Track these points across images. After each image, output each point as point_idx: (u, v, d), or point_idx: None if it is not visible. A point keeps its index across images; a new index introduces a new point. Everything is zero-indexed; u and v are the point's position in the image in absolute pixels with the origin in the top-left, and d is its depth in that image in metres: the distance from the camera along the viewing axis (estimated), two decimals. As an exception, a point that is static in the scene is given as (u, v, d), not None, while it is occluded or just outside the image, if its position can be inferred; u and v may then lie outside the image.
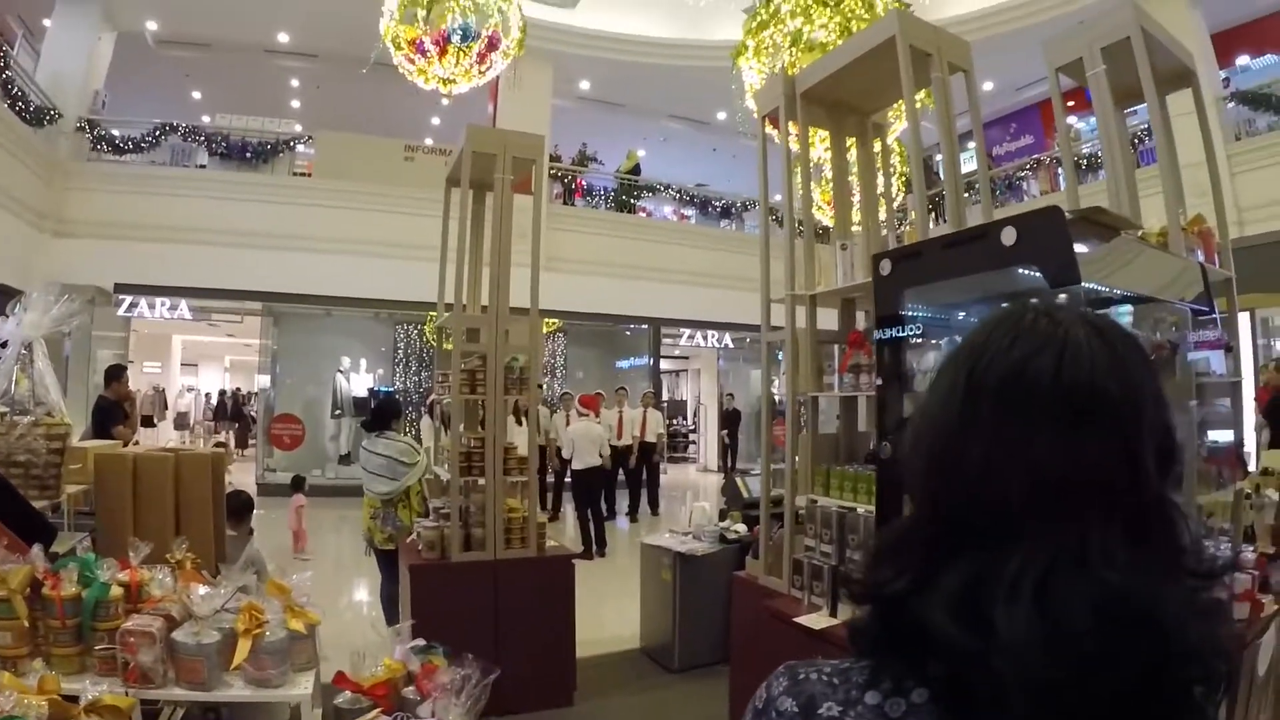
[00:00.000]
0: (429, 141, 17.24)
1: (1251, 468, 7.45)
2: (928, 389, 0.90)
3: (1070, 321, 0.82)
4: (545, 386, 16.17)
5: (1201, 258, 3.98)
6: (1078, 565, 0.72)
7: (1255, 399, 10.45)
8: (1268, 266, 12.45)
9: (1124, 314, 3.42)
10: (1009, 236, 2.44)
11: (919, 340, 2.90)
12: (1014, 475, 0.77)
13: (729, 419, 19.77)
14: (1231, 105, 14.36)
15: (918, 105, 3.93)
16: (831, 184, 5.01)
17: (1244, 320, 13.30)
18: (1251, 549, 4.12)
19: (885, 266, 2.86)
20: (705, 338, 19.17)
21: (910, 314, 2.90)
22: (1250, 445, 9.43)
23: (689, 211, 19.23)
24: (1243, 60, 15.79)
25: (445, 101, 9.89)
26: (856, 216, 5.02)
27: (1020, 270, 2.48)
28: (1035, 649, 0.69)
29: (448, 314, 5.98)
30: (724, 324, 17.93)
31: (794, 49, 6.80)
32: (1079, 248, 2.49)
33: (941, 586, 0.76)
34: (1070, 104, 4.40)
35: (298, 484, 9.98)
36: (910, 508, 0.87)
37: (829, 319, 4.62)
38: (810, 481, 4.20)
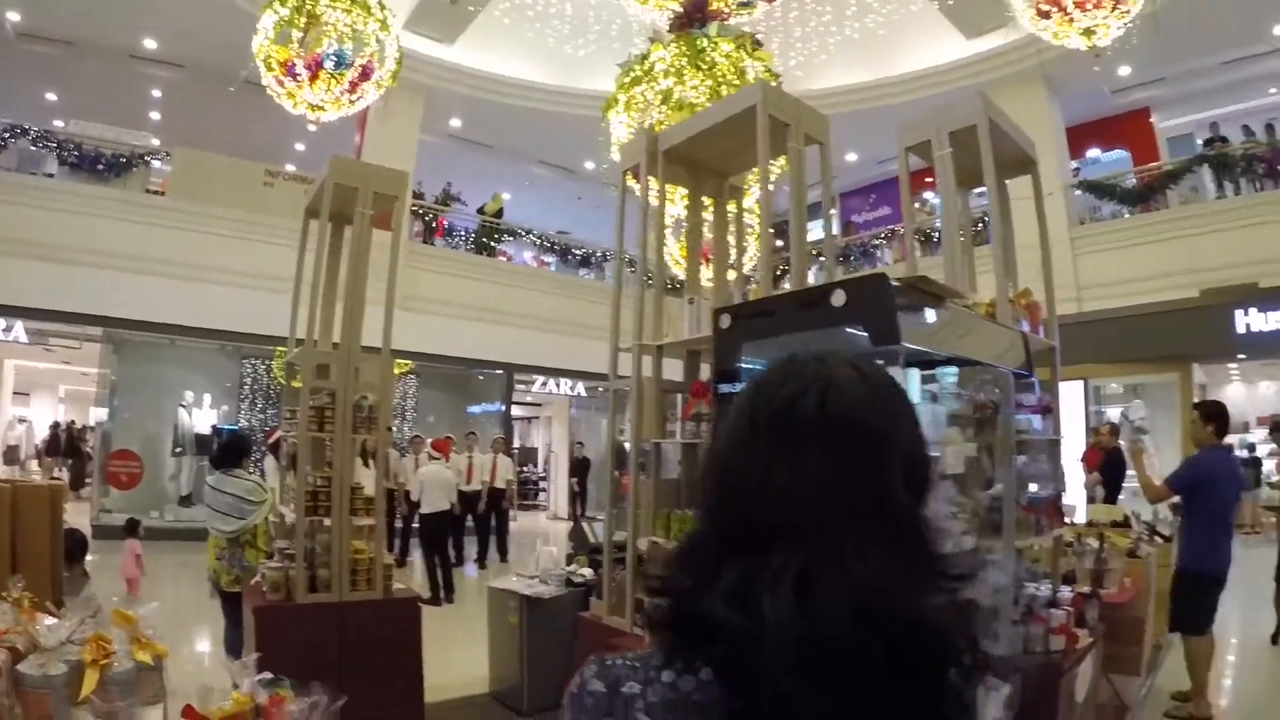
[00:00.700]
0: (291, 167, 16.73)
1: (1080, 519, 8.04)
2: (722, 421, 1.03)
3: (836, 364, 0.97)
4: (395, 429, 15.82)
5: (1026, 328, 4.26)
6: (834, 563, 0.84)
7: (1083, 459, 11.18)
8: (1102, 340, 13.40)
9: (950, 374, 3.63)
10: (839, 299, 2.58)
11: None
12: (784, 490, 0.89)
13: (579, 467, 19.75)
14: (1079, 193, 15.49)
15: (779, 172, 4.10)
16: (688, 239, 5.15)
17: (1078, 388, 14.24)
18: (1069, 589, 4.44)
19: (725, 321, 2.97)
20: (558, 385, 19.23)
21: (748, 366, 3.01)
22: (1082, 500, 10.16)
23: (549, 258, 19.32)
24: (1093, 152, 17.18)
25: (312, 128, 9.66)
26: (710, 273, 5.16)
27: (849, 330, 2.60)
28: (795, 630, 0.81)
29: (298, 349, 5.82)
30: (577, 372, 18.01)
31: (664, 107, 6.98)
32: (910, 313, 2.63)
33: (722, 581, 0.87)
34: (929, 180, 4.67)
35: (132, 528, 9.38)
36: (702, 521, 0.98)
37: (676, 369, 4.74)
38: (652, 525, 4.27)
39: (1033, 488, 4.47)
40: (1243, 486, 6.86)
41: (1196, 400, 8.53)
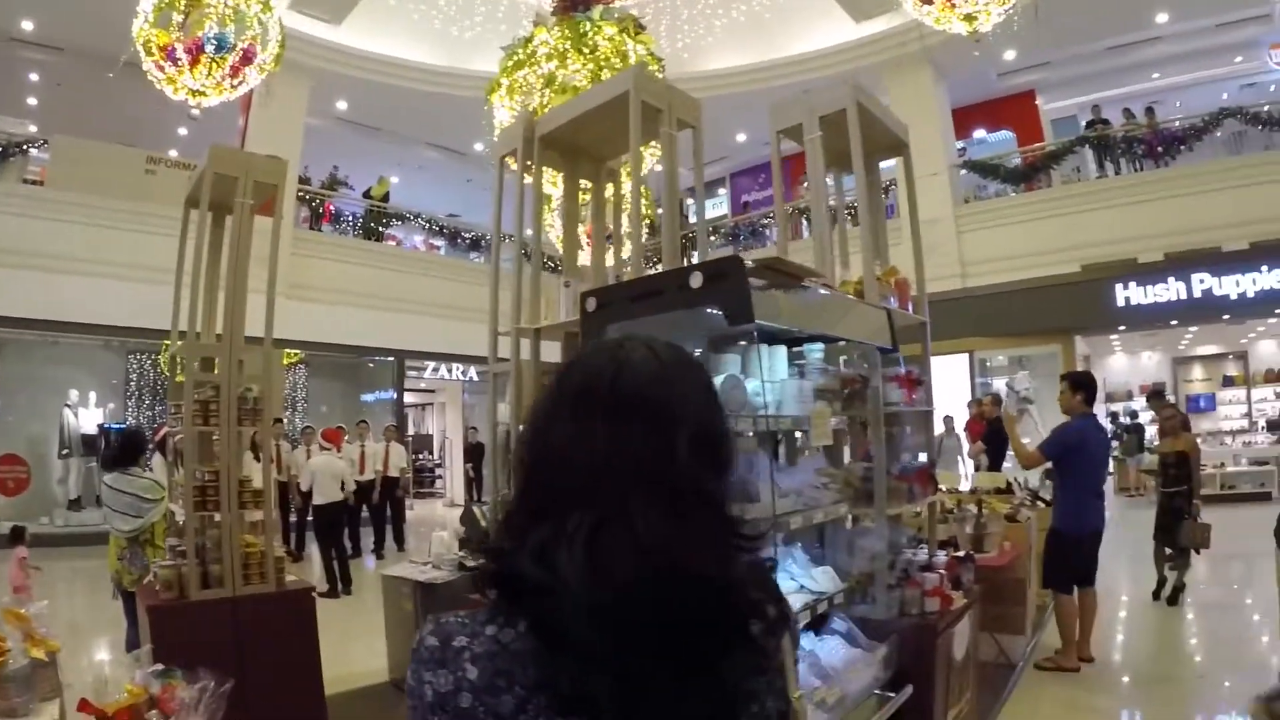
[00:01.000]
0: (174, 153, 16.03)
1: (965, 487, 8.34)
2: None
3: (634, 346, 1.08)
4: (286, 420, 15.40)
5: (895, 304, 4.41)
6: (620, 525, 0.94)
7: (966, 429, 11.59)
8: (986, 314, 13.89)
9: (816, 351, 3.76)
10: (696, 280, 2.65)
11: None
12: (580, 460, 1.00)
13: (474, 452, 19.39)
14: (964, 172, 15.93)
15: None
16: (564, 223, 5.19)
17: (964, 361, 14.70)
18: (944, 554, 4.63)
19: (591, 304, 3.02)
20: (450, 371, 19.11)
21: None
22: (969, 468, 10.54)
23: (439, 242, 19.04)
24: (980, 133, 17.74)
25: (194, 114, 9.38)
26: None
27: (709, 310, 2.67)
28: (585, 585, 0.91)
29: (181, 342, 5.71)
30: (469, 357, 17.74)
31: (547, 90, 6.98)
32: (766, 292, 2.72)
33: (529, 542, 0.97)
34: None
35: (18, 535, 9.01)
36: (518, 489, 1.07)
37: (556, 352, 4.76)
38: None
39: (906, 457, 4.69)
40: (1110, 451, 7.20)
41: (1078, 369, 8.91)
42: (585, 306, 3.02)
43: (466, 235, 18.99)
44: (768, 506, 3.13)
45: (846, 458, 4.36)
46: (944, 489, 7.73)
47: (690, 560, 0.95)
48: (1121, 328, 15.54)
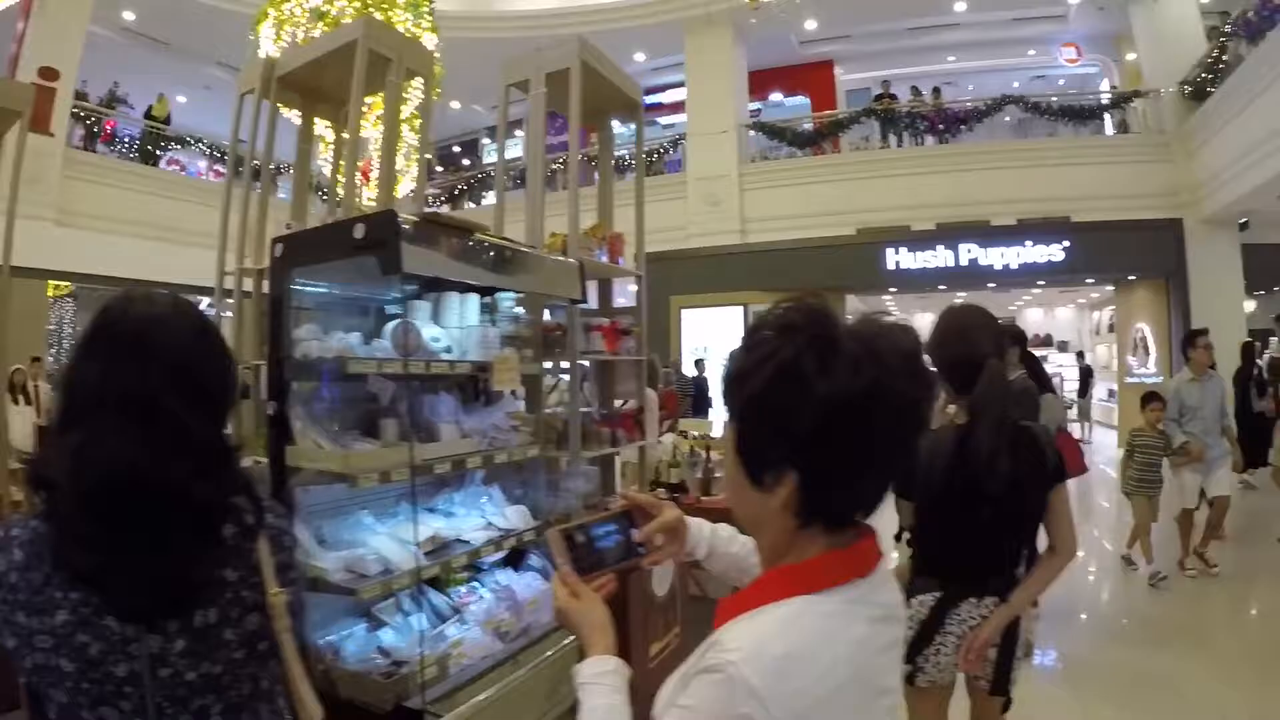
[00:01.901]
0: None
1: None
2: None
3: (140, 298, 1.38)
4: (52, 359, 14.30)
5: (605, 259, 4.75)
6: (99, 440, 1.24)
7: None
8: (763, 269, 14.62)
9: (507, 299, 4.07)
10: (359, 231, 2.87)
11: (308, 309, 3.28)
12: (85, 386, 1.29)
13: (243, 393, 18.79)
14: (755, 134, 16.60)
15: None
16: (297, 163, 5.26)
17: (739, 313, 15.36)
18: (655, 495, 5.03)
19: (279, 249, 3.18)
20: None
21: (305, 289, 3.27)
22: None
23: (224, 169, 18.12)
24: (776, 96, 18.34)
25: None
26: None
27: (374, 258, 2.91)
28: (69, 487, 1.23)
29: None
30: (246, 294, 16.87)
31: (320, 24, 6.91)
32: (425, 245, 2.99)
33: (44, 453, 1.30)
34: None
35: None
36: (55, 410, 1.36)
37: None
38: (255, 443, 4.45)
39: (617, 403, 5.10)
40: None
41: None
42: (274, 251, 3.18)
43: (254, 163, 18.06)
44: (448, 445, 3.43)
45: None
46: (694, 434, 8.28)
47: (150, 469, 1.25)
48: (892, 289, 16.60)
